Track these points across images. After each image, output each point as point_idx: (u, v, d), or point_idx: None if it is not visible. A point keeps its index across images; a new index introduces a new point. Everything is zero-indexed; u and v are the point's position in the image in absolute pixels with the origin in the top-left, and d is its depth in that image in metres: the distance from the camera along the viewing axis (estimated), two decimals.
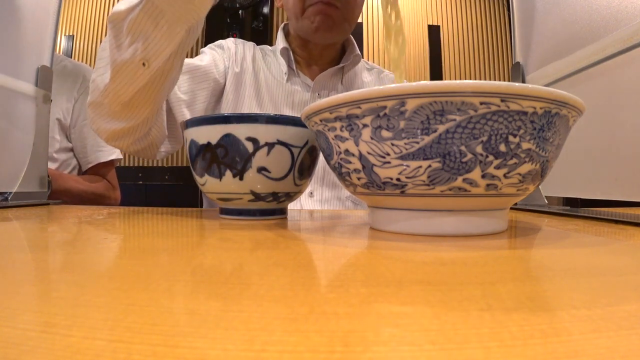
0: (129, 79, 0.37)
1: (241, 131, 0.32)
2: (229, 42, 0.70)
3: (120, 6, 0.36)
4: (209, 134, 0.32)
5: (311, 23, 0.61)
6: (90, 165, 0.88)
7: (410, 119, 0.21)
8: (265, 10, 2.10)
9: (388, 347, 0.09)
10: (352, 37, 0.71)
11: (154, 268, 0.16)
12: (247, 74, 0.68)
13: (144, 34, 0.35)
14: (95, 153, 0.88)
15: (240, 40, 0.73)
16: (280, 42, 0.68)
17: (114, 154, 0.90)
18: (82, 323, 0.10)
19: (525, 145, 0.22)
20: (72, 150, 0.88)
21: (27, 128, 0.55)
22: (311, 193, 0.64)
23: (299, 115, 0.31)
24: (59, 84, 0.68)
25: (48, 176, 0.58)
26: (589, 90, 0.42)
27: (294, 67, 0.67)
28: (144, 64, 0.37)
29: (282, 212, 0.38)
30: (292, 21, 0.66)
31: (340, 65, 0.68)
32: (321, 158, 0.58)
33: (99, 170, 0.89)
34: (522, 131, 0.21)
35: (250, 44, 0.73)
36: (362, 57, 0.75)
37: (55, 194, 0.68)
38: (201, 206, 0.80)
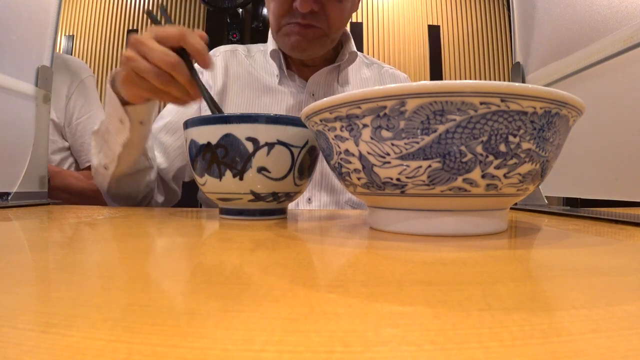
0: (102, 179, 0.53)
1: (241, 131, 0.32)
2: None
3: (95, 127, 0.51)
4: (209, 134, 0.32)
5: (286, 43, 0.59)
6: (88, 164, 0.87)
7: (410, 119, 0.21)
8: (265, 10, 2.11)
9: (388, 347, 0.09)
10: (349, 32, 0.68)
11: (154, 268, 0.16)
12: (231, 86, 0.65)
13: (102, 144, 0.50)
14: None
15: (220, 50, 0.70)
16: (270, 44, 0.65)
17: None
18: (82, 323, 0.10)
19: (525, 145, 0.22)
20: (68, 149, 0.86)
21: (27, 128, 0.55)
22: (309, 199, 0.62)
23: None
24: None
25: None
26: (589, 90, 0.42)
27: (284, 69, 0.64)
28: (105, 168, 0.51)
29: (282, 212, 0.38)
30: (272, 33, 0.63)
31: (336, 64, 0.65)
32: (319, 162, 0.57)
33: None
34: (522, 131, 0.21)
35: (230, 50, 0.69)
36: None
37: (53, 191, 0.67)
38: (201, 206, 0.80)
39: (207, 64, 0.39)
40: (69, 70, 0.86)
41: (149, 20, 0.43)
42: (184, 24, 2.27)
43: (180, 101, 0.41)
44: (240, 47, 0.71)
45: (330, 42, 0.61)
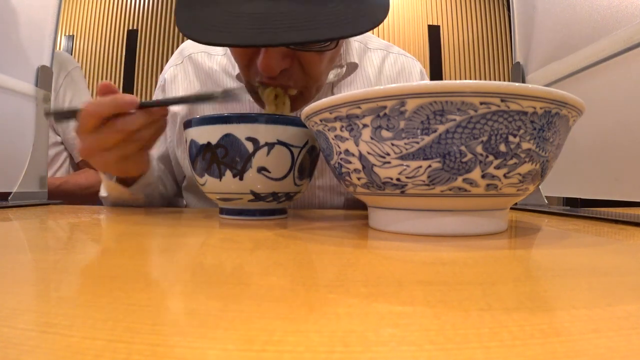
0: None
1: (241, 131, 0.32)
2: (167, 77, 0.58)
3: (102, 192, 0.49)
4: (209, 134, 0.32)
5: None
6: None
7: (410, 119, 0.21)
8: None
9: (388, 347, 0.09)
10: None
11: (154, 268, 0.16)
12: (201, 110, 0.55)
13: (116, 203, 0.49)
14: None
15: (179, 59, 0.58)
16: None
17: None
18: (82, 323, 0.10)
19: (525, 145, 0.22)
20: (62, 143, 0.86)
21: (27, 128, 0.55)
22: None
23: None
24: None
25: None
26: (589, 90, 0.42)
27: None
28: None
29: (282, 212, 0.38)
30: None
31: (328, 82, 0.52)
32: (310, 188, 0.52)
33: None
34: (522, 131, 0.21)
35: (195, 60, 0.57)
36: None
37: (54, 198, 0.68)
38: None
39: (132, 104, 0.35)
40: (55, 64, 0.85)
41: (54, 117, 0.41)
42: None
43: (159, 130, 0.38)
44: (202, 49, 0.58)
45: (316, 92, 0.46)
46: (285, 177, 0.34)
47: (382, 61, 0.59)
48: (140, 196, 0.47)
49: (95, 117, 0.35)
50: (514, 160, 0.22)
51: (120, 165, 0.38)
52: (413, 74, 0.60)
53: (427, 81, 0.56)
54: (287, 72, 0.40)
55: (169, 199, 0.59)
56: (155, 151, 0.57)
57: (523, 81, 0.54)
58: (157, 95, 0.60)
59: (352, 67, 0.54)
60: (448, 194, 0.23)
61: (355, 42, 0.57)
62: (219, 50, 0.57)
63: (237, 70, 0.52)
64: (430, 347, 0.09)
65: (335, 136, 0.25)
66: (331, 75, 0.53)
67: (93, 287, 0.14)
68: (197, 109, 0.55)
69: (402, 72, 0.60)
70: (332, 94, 0.54)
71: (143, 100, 0.36)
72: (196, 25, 0.34)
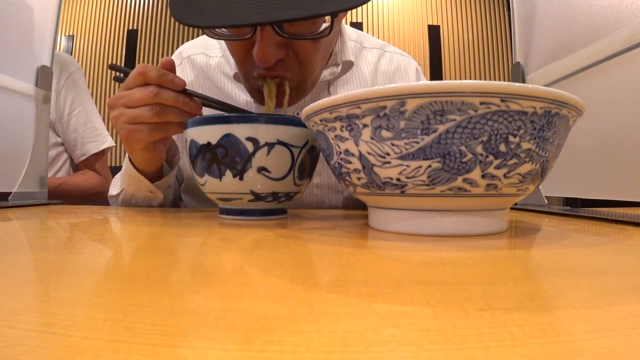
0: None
1: (241, 131, 0.32)
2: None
3: (112, 191, 0.51)
4: (209, 134, 0.32)
5: (255, 97, 0.46)
6: (83, 158, 0.86)
7: (410, 119, 0.21)
8: None
9: (388, 347, 0.09)
10: (343, 32, 0.54)
11: (154, 268, 0.16)
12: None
13: (129, 203, 0.50)
14: (87, 144, 0.86)
15: (178, 61, 0.58)
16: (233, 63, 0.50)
17: (106, 142, 0.88)
18: (82, 323, 0.10)
19: (525, 145, 0.22)
20: (62, 144, 0.86)
21: (27, 128, 0.55)
22: None
23: None
24: None
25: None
26: (589, 90, 0.42)
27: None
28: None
29: (282, 212, 0.38)
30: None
31: (324, 80, 0.53)
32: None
33: (92, 161, 0.88)
34: (522, 131, 0.21)
35: (193, 62, 0.57)
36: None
37: (52, 198, 0.68)
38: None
39: (177, 85, 0.37)
40: (56, 65, 0.85)
41: (114, 72, 0.43)
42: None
43: (182, 126, 0.38)
44: (200, 50, 0.58)
45: (311, 85, 0.47)
46: (285, 177, 0.34)
47: (378, 60, 0.59)
48: (159, 195, 0.47)
49: (142, 75, 0.36)
50: (514, 160, 0.22)
51: (130, 134, 0.38)
52: (409, 72, 0.61)
53: (426, 81, 0.56)
54: (283, 62, 0.40)
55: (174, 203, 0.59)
56: None
57: (523, 81, 0.54)
58: None
59: (348, 65, 0.54)
60: (448, 194, 0.23)
61: (350, 41, 0.57)
62: (217, 51, 0.58)
63: (234, 71, 0.53)
64: (430, 347, 0.09)
65: (335, 136, 0.25)
66: (327, 74, 0.53)
67: (93, 287, 0.14)
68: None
69: (398, 70, 0.60)
70: (329, 92, 0.55)
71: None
72: (192, 12, 0.35)
